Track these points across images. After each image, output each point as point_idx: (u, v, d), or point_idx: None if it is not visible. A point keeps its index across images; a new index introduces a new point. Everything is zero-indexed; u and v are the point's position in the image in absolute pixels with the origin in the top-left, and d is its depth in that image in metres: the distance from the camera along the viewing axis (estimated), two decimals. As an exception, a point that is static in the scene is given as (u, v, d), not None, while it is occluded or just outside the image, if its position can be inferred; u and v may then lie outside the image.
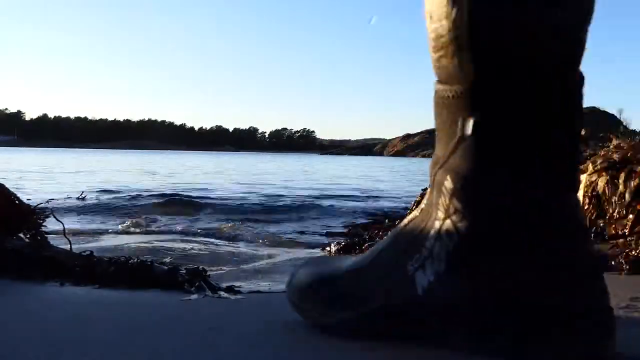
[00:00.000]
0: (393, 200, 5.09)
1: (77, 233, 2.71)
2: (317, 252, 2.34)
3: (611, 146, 2.75)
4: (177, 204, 4.86)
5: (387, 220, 3.47)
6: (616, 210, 2.23)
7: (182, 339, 0.95)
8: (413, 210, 3.15)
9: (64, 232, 2.03)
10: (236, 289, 1.41)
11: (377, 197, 5.62)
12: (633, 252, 1.86)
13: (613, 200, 2.26)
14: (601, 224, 2.27)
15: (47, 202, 1.95)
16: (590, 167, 2.48)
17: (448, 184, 0.80)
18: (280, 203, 4.60)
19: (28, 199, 1.85)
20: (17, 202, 1.74)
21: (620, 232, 2.15)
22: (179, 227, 3.10)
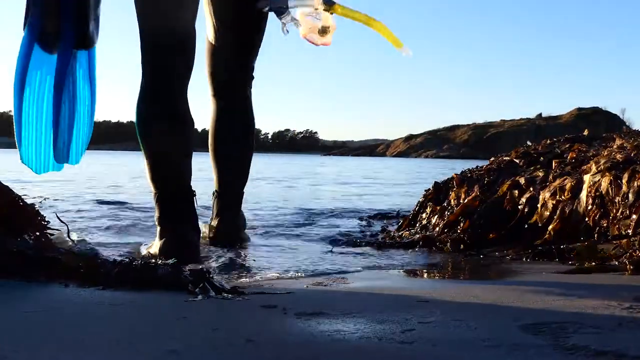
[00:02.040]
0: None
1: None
2: (324, 249, 2.34)
3: (614, 146, 2.75)
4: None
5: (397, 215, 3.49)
6: (620, 211, 2.22)
7: (187, 339, 0.96)
8: (417, 210, 3.11)
9: (67, 234, 2.04)
10: (240, 289, 1.41)
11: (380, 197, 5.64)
12: (637, 253, 1.85)
13: (616, 201, 2.25)
14: (605, 224, 2.26)
15: (44, 199, 1.94)
16: (594, 168, 2.47)
17: None
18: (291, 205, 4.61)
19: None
20: (21, 203, 1.75)
21: (623, 233, 2.14)
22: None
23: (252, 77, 2.49)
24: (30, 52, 1.92)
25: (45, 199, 1.89)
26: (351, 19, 1.94)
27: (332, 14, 1.92)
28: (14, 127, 1.98)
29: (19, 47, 1.93)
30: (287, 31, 2.01)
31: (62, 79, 1.97)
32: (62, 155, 2.04)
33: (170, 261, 1.54)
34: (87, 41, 2.02)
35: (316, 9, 1.89)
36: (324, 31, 1.92)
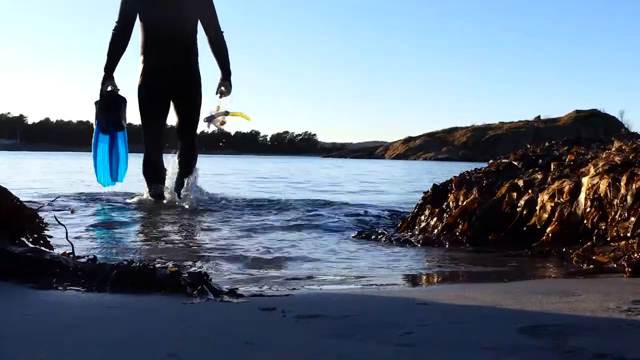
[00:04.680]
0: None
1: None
2: (321, 249, 2.34)
3: (613, 149, 2.75)
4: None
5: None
6: (618, 213, 2.22)
7: (185, 342, 0.95)
8: (415, 212, 3.08)
9: (66, 236, 2.03)
10: (238, 292, 1.41)
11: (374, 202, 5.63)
12: (635, 255, 1.86)
13: (615, 203, 2.26)
14: (603, 227, 2.26)
15: (49, 204, 1.95)
16: (592, 170, 2.48)
17: None
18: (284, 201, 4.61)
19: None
20: (19, 205, 1.74)
21: (622, 235, 2.14)
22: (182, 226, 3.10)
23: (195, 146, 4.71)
24: (98, 134, 4.46)
25: (49, 204, 1.89)
26: (235, 116, 4.56)
27: (226, 115, 4.51)
28: (94, 169, 4.56)
29: (93, 133, 4.48)
30: (211, 127, 4.57)
31: (112, 145, 4.49)
32: (114, 177, 4.54)
33: (169, 264, 1.54)
34: (120, 127, 4.47)
35: (224, 123, 4.51)
36: (222, 124, 4.52)
